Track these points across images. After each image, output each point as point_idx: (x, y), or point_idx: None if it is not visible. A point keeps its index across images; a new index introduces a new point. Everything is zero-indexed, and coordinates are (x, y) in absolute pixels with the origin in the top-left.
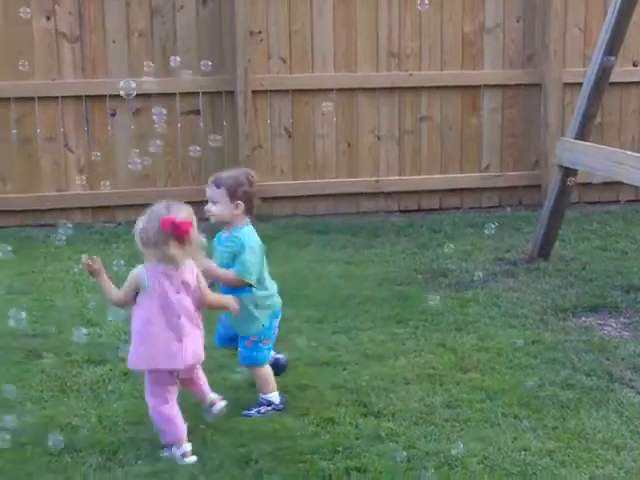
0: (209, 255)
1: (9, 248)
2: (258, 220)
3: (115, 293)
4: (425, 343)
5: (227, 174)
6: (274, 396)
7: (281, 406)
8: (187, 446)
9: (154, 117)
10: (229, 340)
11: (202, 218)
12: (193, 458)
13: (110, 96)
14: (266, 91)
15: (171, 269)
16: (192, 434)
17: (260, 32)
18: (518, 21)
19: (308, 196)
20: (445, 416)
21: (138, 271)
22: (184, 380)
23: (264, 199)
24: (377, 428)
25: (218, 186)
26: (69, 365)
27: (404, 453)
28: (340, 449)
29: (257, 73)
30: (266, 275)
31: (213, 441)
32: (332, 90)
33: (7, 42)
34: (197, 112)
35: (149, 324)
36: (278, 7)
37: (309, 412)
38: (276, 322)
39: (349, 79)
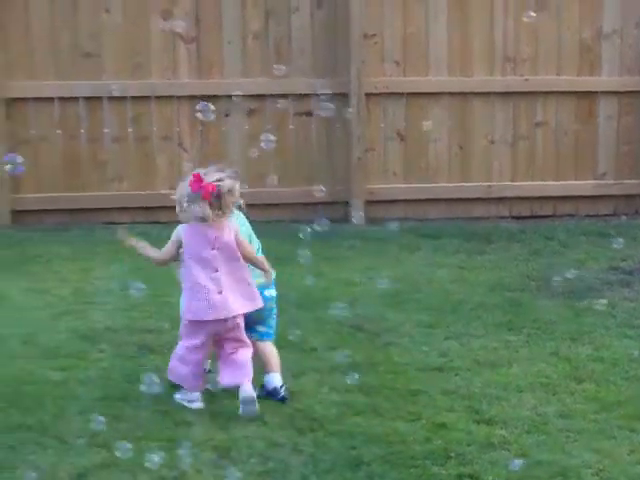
0: None
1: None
2: (369, 223)
3: (157, 254)
4: (538, 351)
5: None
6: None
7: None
8: (197, 395)
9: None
10: None
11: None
12: (200, 404)
13: (224, 96)
14: (379, 94)
15: (205, 227)
16: (304, 435)
17: (374, 35)
18: (637, 27)
19: (419, 200)
20: (558, 426)
21: (177, 230)
22: (220, 340)
23: (375, 202)
24: (489, 435)
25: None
26: None
27: (517, 461)
28: (452, 455)
29: (371, 76)
30: None
31: (324, 442)
32: (445, 94)
33: (125, 41)
34: (310, 114)
35: (191, 278)
36: (393, 10)
37: (421, 417)
38: None
39: (463, 83)
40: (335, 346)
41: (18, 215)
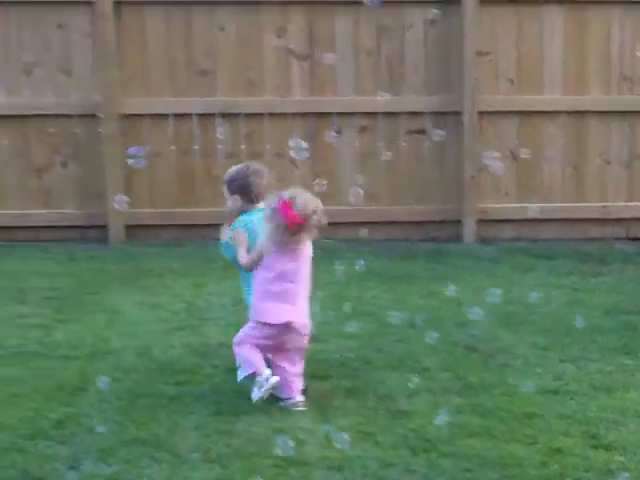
0: None
1: None
2: (481, 242)
3: (244, 259)
4: None
5: (228, 172)
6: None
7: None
8: (267, 371)
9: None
10: None
11: None
12: (276, 378)
13: (337, 114)
14: (493, 112)
15: (292, 244)
16: (417, 456)
17: (488, 52)
18: None
19: (532, 220)
20: None
21: (264, 241)
22: (280, 350)
23: (487, 221)
24: (608, 461)
25: (223, 184)
26: None
27: None
28: None
29: (484, 94)
30: None
31: (438, 464)
32: (561, 112)
33: (239, 59)
34: (422, 132)
35: (269, 284)
36: (507, 27)
37: (537, 441)
38: None
39: (578, 102)
40: (448, 367)
41: (132, 230)
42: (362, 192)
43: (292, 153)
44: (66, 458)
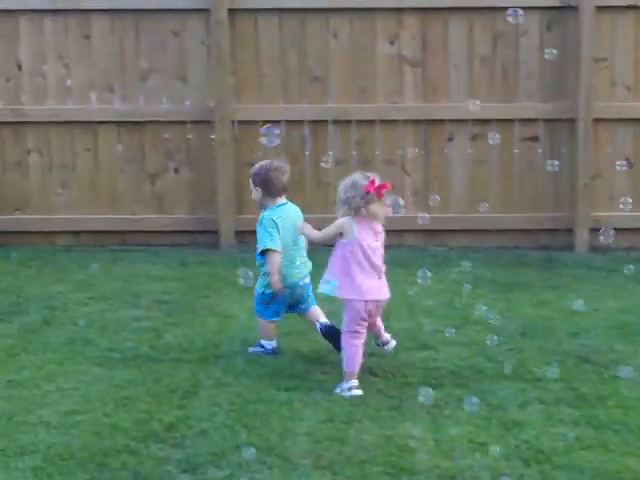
0: None
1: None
2: (593, 251)
3: (317, 235)
4: None
5: (254, 166)
6: (267, 343)
7: (270, 352)
8: (355, 382)
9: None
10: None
11: None
12: (359, 392)
13: (449, 120)
14: (608, 119)
15: (373, 221)
16: (530, 467)
17: (605, 59)
18: None
19: None
20: None
21: (345, 221)
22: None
23: (599, 230)
24: None
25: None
26: (406, 387)
27: None
28: None
29: (600, 101)
30: (291, 252)
31: (552, 475)
32: None
33: (351, 65)
34: (536, 139)
35: (356, 264)
36: (626, 32)
37: None
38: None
39: None
40: (561, 377)
41: (242, 235)
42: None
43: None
44: (178, 461)
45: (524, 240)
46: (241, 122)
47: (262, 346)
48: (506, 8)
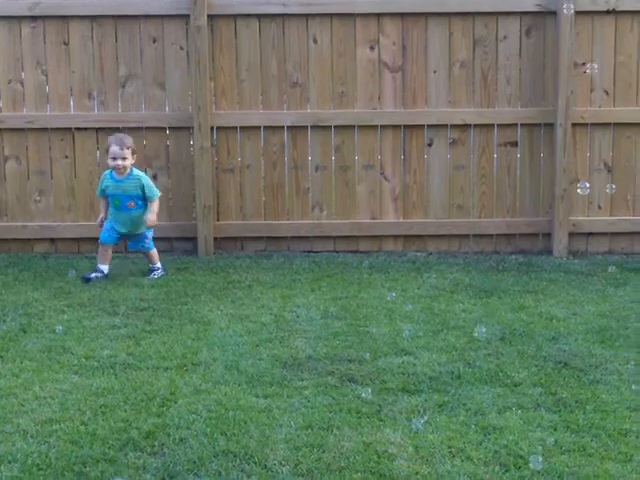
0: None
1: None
2: (572, 255)
3: None
4: None
5: (124, 137)
6: (160, 265)
7: (164, 273)
8: None
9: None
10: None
11: None
12: None
13: (428, 126)
14: (586, 124)
15: None
16: (509, 472)
17: (584, 63)
18: None
19: (624, 233)
20: None
21: None
22: None
23: (578, 234)
24: None
25: (127, 147)
26: (384, 393)
27: None
28: None
29: (579, 106)
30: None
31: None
32: None
33: (331, 70)
34: (515, 144)
35: None
36: (604, 38)
37: (632, 459)
38: None
39: None
40: (540, 382)
41: (220, 242)
42: None
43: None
44: (157, 469)
45: (503, 245)
46: (220, 128)
47: (158, 268)
48: (486, 13)
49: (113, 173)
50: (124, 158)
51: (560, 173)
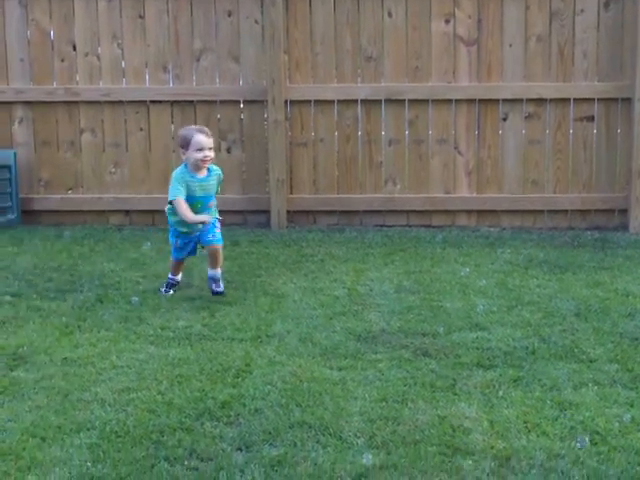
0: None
1: None
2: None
3: None
4: None
5: (202, 127)
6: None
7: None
8: None
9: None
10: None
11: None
12: None
13: (503, 100)
14: None
15: None
16: (586, 449)
17: None
18: None
19: None
20: None
21: None
22: None
23: None
24: None
25: (211, 135)
26: (459, 367)
27: None
28: None
29: None
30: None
31: (608, 457)
32: None
33: (406, 44)
34: (591, 118)
35: None
36: None
37: None
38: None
39: None
40: (616, 358)
41: (293, 215)
42: None
43: None
44: (232, 439)
45: (578, 221)
46: (294, 102)
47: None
48: None
49: (191, 171)
50: (211, 148)
51: (637, 148)
